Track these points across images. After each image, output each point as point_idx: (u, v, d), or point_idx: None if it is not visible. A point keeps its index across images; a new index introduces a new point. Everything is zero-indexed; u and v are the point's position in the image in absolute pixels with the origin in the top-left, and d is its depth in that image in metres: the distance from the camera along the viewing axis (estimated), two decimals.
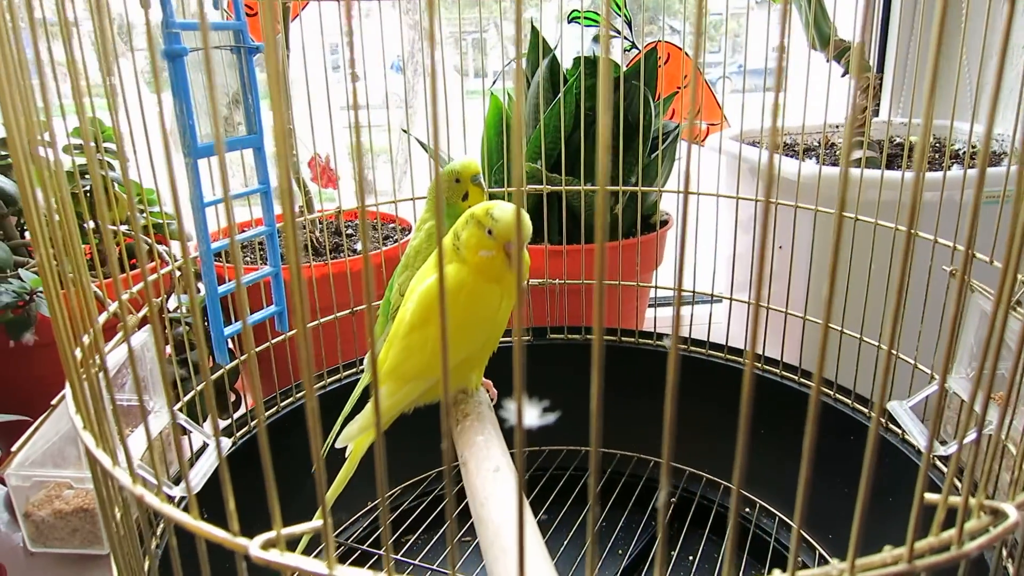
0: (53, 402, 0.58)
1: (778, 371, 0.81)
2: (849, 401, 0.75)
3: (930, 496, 0.28)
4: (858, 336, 0.73)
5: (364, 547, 0.75)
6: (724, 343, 0.86)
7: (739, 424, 0.24)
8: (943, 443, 0.65)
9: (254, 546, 0.26)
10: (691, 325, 0.90)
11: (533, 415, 0.40)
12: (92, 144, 0.36)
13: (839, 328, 0.75)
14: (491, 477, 0.44)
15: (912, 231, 0.26)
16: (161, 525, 0.58)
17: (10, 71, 0.35)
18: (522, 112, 0.23)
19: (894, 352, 0.71)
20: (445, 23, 0.98)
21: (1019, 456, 0.38)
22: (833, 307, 0.74)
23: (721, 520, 0.81)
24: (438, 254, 0.23)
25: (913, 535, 0.25)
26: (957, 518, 0.26)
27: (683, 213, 0.25)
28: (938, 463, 0.65)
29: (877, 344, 0.72)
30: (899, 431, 0.69)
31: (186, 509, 0.30)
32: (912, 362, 0.69)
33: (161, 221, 0.88)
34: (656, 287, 0.98)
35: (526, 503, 0.45)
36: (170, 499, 0.52)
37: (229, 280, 0.66)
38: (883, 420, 0.70)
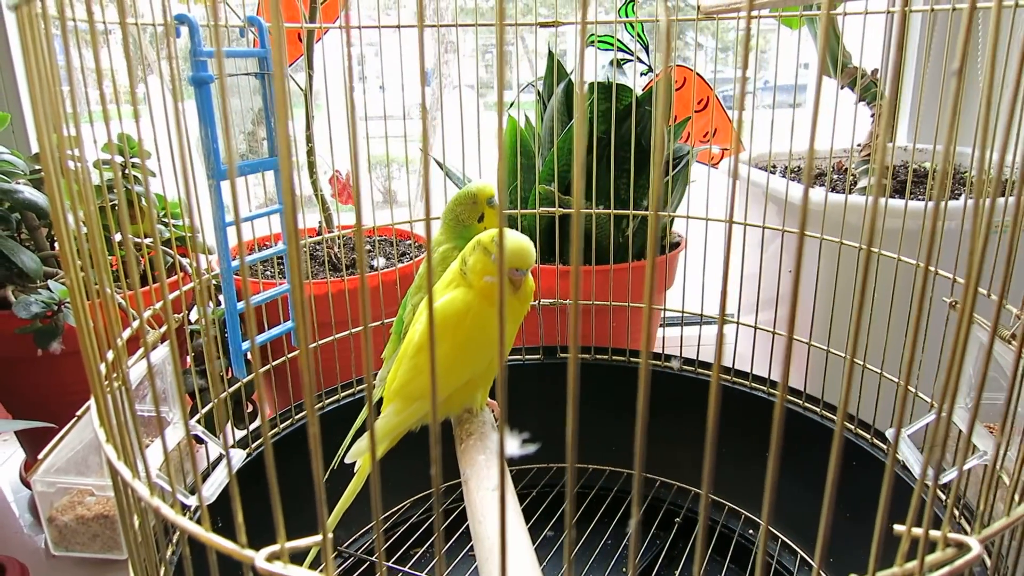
0: (79, 412, 0.61)
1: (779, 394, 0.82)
2: (852, 427, 0.76)
3: (898, 527, 0.30)
4: (862, 363, 0.74)
5: (372, 559, 0.77)
6: (731, 365, 0.88)
7: (707, 436, 0.26)
8: (942, 471, 0.66)
9: (260, 558, 0.28)
10: (699, 346, 0.91)
11: (514, 445, 0.42)
12: (119, 159, 0.38)
13: (841, 354, 0.76)
14: (490, 496, 0.46)
15: (871, 249, 0.28)
16: (176, 533, 0.61)
17: (43, 85, 0.37)
18: (506, 145, 0.25)
19: (859, 362, 0.72)
20: (470, 37, 1.00)
21: (984, 490, 0.39)
22: (837, 334, 0.76)
23: (724, 540, 0.82)
24: (427, 281, 0.25)
25: (875, 564, 0.27)
26: (918, 550, 0.27)
27: (651, 235, 0.26)
28: (939, 493, 0.66)
29: (879, 371, 0.73)
30: (899, 458, 0.70)
31: (199, 520, 0.32)
32: (913, 390, 0.70)
33: (185, 234, 0.91)
34: (665, 309, 1.00)
35: (518, 523, 0.47)
36: (185, 509, 0.54)
37: (250, 295, 0.69)
38: (885, 447, 0.71)
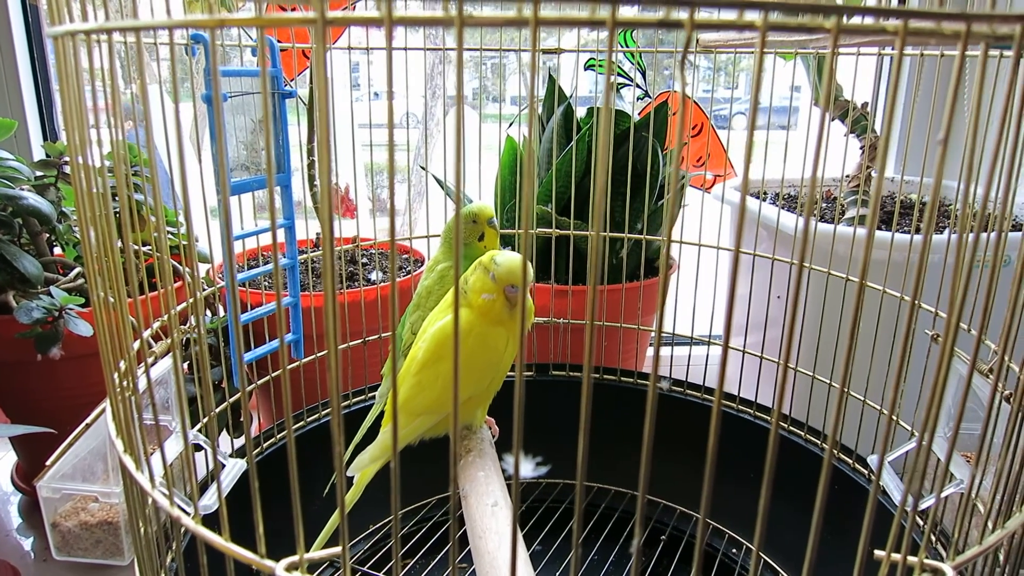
0: (88, 420, 0.62)
1: (770, 418, 0.84)
2: (836, 452, 0.78)
3: (878, 552, 0.32)
4: (847, 390, 0.77)
5: (364, 568, 0.78)
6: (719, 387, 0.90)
7: (707, 458, 0.28)
8: (920, 497, 0.68)
9: (280, 568, 0.30)
10: (688, 367, 0.93)
11: (528, 468, 0.44)
12: (123, 167, 0.40)
13: (827, 381, 0.78)
14: (490, 511, 0.47)
15: (806, 265, 0.30)
16: (174, 543, 0.62)
17: (75, 103, 0.39)
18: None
19: (846, 391, 0.74)
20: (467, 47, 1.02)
21: (959, 516, 0.41)
22: (821, 361, 0.78)
23: (709, 559, 0.83)
24: (454, 303, 0.27)
25: None
26: (896, 575, 0.29)
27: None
28: (918, 519, 0.68)
29: (862, 398, 0.75)
30: (880, 484, 0.72)
31: (211, 529, 0.34)
32: (895, 418, 0.72)
33: (180, 242, 0.92)
34: (656, 330, 1.02)
35: (519, 542, 0.49)
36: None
37: (253, 307, 0.70)
38: (866, 472, 0.73)
